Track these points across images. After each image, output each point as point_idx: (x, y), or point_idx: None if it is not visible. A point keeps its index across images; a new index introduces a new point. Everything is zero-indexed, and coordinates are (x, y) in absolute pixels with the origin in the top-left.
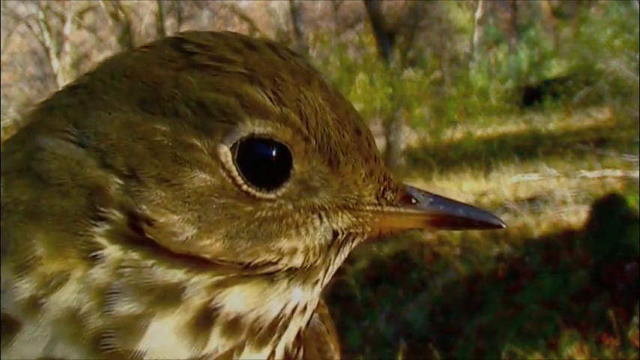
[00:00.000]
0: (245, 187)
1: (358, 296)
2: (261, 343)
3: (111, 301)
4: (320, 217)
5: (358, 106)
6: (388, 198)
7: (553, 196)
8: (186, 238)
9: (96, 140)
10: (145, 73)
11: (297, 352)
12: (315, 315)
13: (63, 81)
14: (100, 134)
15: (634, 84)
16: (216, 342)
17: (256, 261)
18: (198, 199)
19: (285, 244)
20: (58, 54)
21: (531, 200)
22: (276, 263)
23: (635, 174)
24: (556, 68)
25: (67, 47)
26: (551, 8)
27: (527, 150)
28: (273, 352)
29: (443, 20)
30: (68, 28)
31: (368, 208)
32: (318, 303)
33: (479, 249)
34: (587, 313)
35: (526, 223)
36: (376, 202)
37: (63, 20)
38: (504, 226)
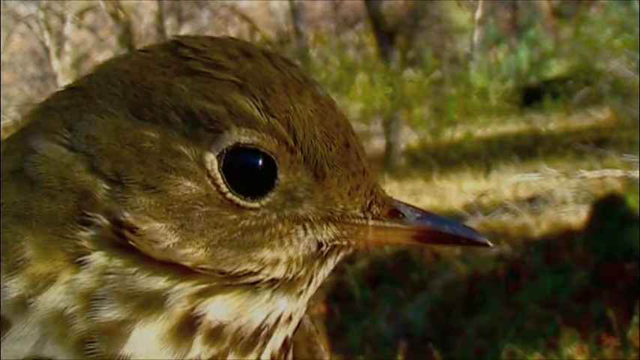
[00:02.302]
0: (229, 195)
1: (358, 296)
2: (245, 351)
3: (95, 307)
4: (304, 229)
5: (358, 106)
6: (374, 212)
7: (553, 196)
8: (168, 245)
9: (86, 144)
10: (140, 79)
11: (285, 357)
12: (305, 316)
13: (63, 81)
14: (91, 138)
15: (634, 84)
16: (199, 349)
17: (237, 270)
18: (182, 207)
19: (267, 254)
20: (58, 54)
21: (531, 200)
22: (257, 273)
23: (635, 174)
24: (556, 68)
25: (67, 47)
26: (551, 8)
27: (527, 150)
28: (258, 359)
29: (443, 20)
30: (68, 28)
31: (353, 221)
32: (308, 304)
33: (479, 249)
34: (587, 313)
35: (526, 223)
36: (362, 215)
37: (63, 20)
38: (491, 245)
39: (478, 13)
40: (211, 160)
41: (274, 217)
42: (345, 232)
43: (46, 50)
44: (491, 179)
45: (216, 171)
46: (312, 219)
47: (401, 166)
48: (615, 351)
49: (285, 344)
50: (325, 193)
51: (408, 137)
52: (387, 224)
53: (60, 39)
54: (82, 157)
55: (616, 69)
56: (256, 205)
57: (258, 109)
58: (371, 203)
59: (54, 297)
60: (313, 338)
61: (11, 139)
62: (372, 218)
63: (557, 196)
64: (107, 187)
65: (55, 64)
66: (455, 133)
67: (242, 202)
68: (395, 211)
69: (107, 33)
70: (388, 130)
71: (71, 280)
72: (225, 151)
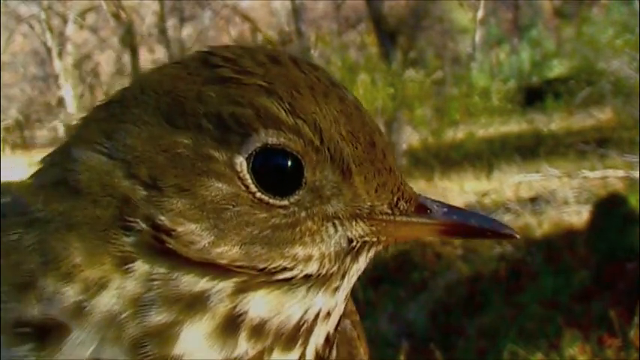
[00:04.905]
0: (259, 194)
1: (359, 296)
2: (289, 346)
3: (144, 312)
4: (334, 226)
5: None
6: (401, 208)
7: (555, 196)
8: (204, 245)
9: (124, 152)
10: (172, 88)
11: (329, 353)
12: (347, 321)
13: (64, 81)
14: (128, 146)
15: (635, 84)
16: (245, 345)
17: (271, 266)
18: (215, 208)
19: (300, 250)
20: (60, 54)
21: (533, 200)
22: (291, 269)
23: (636, 174)
24: (558, 68)
25: (69, 47)
26: (552, 8)
27: (529, 150)
28: (303, 354)
29: (445, 20)
30: (70, 29)
31: (381, 217)
32: (350, 310)
33: (480, 249)
34: (589, 313)
35: (528, 223)
36: (389, 211)
37: (65, 20)
38: (518, 236)
39: (480, 13)
40: (240, 161)
41: (303, 214)
42: (374, 228)
43: (48, 50)
44: (493, 179)
45: (245, 172)
46: (341, 216)
47: (402, 166)
48: (617, 351)
49: (328, 340)
50: (353, 190)
51: (410, 137)
52: (415, 219)
53: (62, 39)
54: (120, 164)
55: (617, 69)
56: (285, 203)
57: (285, 111)
58: (398, 199)
59: (107, 300)
60: (354, 342)
61: (54, 153)
62: (400, 214)
63: (559, 196)
64: (144, 191)
65: (57, 65)
66: (457, 134)
67: (271, 201)
68: (422, 207)
69: (109, 33)
70: (390, 130)
71: (119, 286)
72: (253, 153)
